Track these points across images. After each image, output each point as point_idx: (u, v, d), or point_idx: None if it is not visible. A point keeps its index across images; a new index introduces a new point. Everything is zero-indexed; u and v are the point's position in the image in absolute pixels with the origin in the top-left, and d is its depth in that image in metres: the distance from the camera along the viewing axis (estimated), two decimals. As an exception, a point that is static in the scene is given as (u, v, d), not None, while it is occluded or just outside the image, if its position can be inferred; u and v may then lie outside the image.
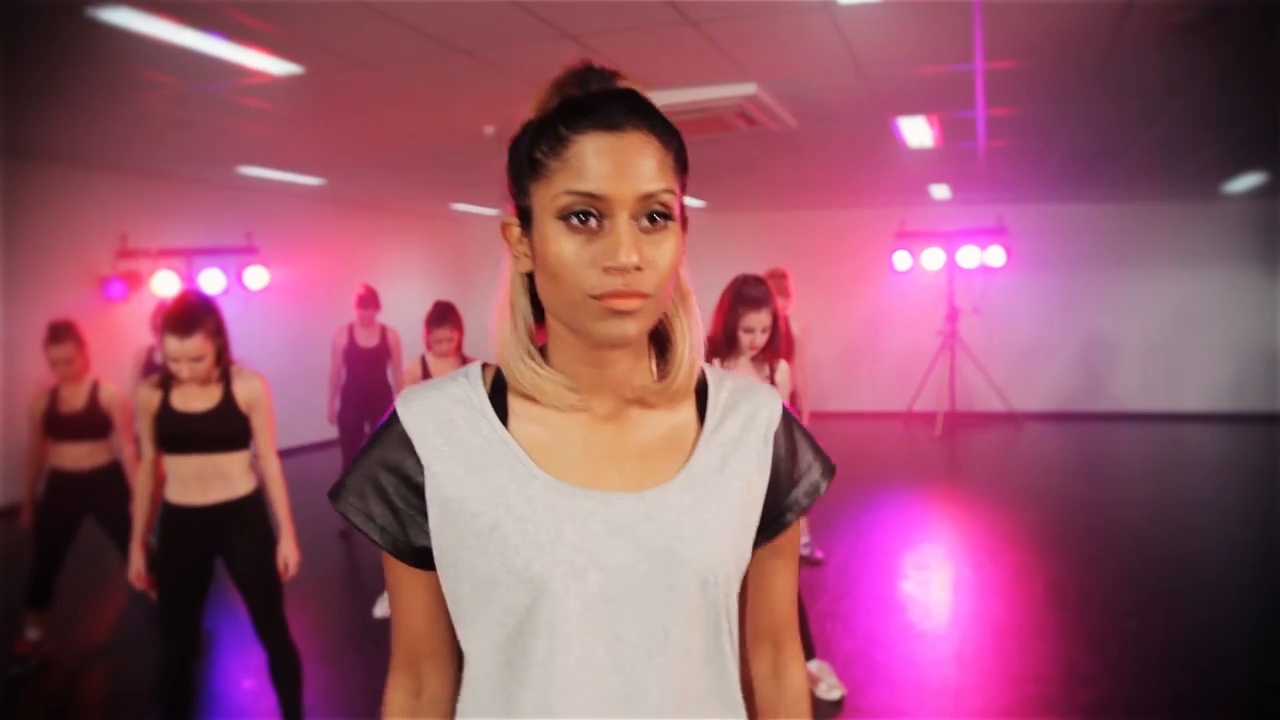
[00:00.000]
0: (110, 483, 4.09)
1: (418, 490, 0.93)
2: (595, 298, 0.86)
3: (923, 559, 5.50)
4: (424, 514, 0.93)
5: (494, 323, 0.97)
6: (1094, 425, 10.44)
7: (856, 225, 11.20)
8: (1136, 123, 6.27)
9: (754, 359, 3.25)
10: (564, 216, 0.86)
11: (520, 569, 0.88)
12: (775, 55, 4.66)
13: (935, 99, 5.63)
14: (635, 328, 0.88)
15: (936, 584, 5.04)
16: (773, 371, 3.28)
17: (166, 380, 2.86)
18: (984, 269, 10.05)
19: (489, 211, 12.04)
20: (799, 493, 1.02)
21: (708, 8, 3.90)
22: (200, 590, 2.91)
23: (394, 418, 0.95)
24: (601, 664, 0.89)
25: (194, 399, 2.86)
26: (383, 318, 6.54)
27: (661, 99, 5.00)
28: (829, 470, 1.05)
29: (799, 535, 1.07)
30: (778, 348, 3.26)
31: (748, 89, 5.22)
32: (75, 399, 4.01)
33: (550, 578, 0.88)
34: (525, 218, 0.91)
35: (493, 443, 0.92)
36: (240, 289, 8.35)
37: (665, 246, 0.88)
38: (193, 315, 2.75)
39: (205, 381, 2.85)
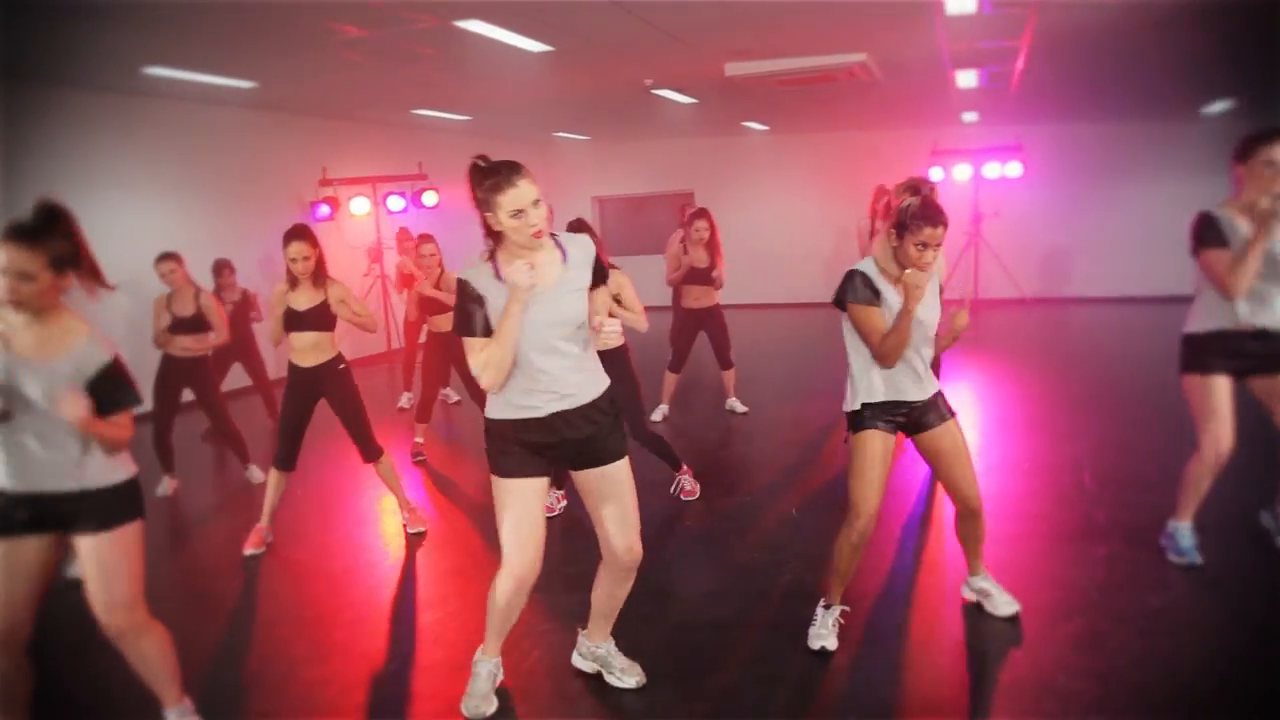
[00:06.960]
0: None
1: None
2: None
3: (956, 401, 7.65)
4: None
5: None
6: (1095, 307, 12.61)
7: (897, 145, 13.10)
8: (1135, 57, 7.95)
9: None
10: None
11: None
12: (885, 34, 6.64)
13: (989, 58, 7.57)
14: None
15: (968, 420, 7.19)
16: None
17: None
18: (1004, 180, 12.14)
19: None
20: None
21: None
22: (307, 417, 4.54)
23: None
24: None
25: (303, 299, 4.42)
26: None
27: (788, 64, 7.44)
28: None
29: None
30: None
31: (859, 57, 7.19)
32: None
33: None
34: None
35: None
36: (417, 207, 10.34)
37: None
38: (300, 230, 4.39)
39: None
